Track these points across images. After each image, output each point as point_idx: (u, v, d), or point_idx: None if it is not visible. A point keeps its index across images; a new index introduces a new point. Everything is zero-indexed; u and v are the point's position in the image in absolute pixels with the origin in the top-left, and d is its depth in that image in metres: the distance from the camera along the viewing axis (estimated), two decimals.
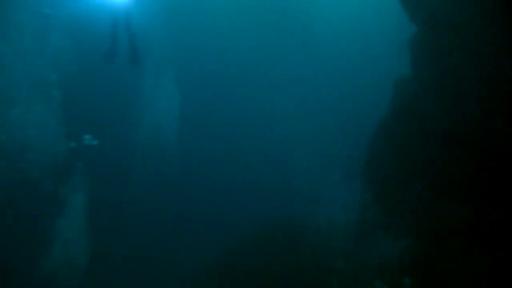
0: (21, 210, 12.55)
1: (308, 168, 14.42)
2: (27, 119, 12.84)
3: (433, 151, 8.48)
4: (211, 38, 16.73)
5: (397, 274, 7.87)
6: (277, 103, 16.28)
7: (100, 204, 12.88)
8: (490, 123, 7.71)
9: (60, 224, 11.82)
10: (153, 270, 13.91)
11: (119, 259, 13.40)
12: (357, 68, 15.65)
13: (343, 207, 11.61)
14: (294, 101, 15.66)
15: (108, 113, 15.59)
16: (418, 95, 8.96)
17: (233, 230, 13.93)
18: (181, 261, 13.75)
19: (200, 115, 16.37)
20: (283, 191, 14.86)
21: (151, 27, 14.07)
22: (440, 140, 8.40)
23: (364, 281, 8.59)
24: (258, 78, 16.74)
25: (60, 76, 13.37)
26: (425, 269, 7.61)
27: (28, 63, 13.36)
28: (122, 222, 14.15)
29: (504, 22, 7.18)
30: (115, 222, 13.96)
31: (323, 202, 12.86)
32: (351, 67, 15.70)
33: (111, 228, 13.62)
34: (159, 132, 15.53)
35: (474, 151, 7.90)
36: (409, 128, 9.10)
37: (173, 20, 15.41)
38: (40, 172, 12.80)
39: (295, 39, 16.22)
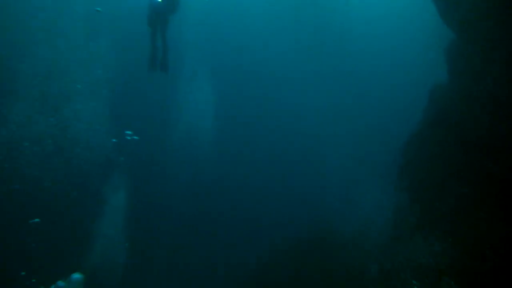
0: (68, 204, 13.17)
1: (342, 170, 14.55)
2: (79, 116, 13.75)
3: (469, 158, 8.43)
4: (247, 40, 17.11)
5: (434, 276, 7.87)
6: (311, 105, 16.51)
7: (139, 202, 13.39)
8: None
9: (101, 220, 12.35)
10: (189, 271, 13.93)
11: (156, 259, 13.86)
12: (393, 72, 15.75)
13: (378, 210, 11.63)
14: (329, 103, 15.89)
15: (147, 112, 16.16)
16: (454, 102, 8.93)
17: (269, 231, 14.01)
18: (218, 263, 13.95)
19: (234, 116, 16.59)
20: (317, 194, 14.96)
21: (188, 30, 14.79)
22: (476, 148, 8.33)
23: (401, 284, 8.59)
24: (293, 80, 16.99)
25: (108, 75, 14.23)
26: (462, 273, 7.53)
27: (80, 62, 14.30)
28: (159, 221, 14.42)
29: None
30: (152, 221, 14.36)
31: (357, 204, 12.93)
32: (388, 72, 15.82)
33: (149, 227, 14.08)
34: (194, 132, 15.87)
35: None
36: (445, 135, 9.08)
37: (209, 22, 15.91)
38: (87, 166, 13.66)
39: (331, 41, 16.39)
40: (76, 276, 9.14)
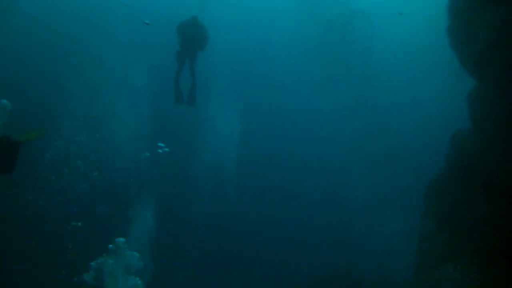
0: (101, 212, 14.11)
1: (364, 200, 14.78)
2: (118, 130, 14.94)
3: (495, 207, 8.03)
4: (274, 71, 17.76)
5: None
6: (336, 136, 16.81)
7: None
8: None
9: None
10: None
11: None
12: (415, 116, 16.16)
13: (401, 238, 11.86)
14: (353, 135, 16.28)
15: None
16: (479, 149, 8.62)
17: (290, 264, 14.10)
18: None
19: (260, 146, 16.96)
20: (340, 226, 15.09)
21: (216, 60, 15.36)
22: (502, 196, 7.95)
23: None
24: (318, 113, 17.52)
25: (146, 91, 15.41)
26: None
27: (119, 85, 15.72)
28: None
29: None
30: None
31: (380, 234, 13.37)
32: (410, 114, 16.26)
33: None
34: (219, 161, 16.20)
35: None
36: (468, 182, 8.76)
37: (236, 53, 16.59)
38: (124, 178, 14.96)
39: (355, 76, 16.81)
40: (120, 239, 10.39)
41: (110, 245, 10.96)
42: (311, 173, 17.06)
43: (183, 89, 11.21)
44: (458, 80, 9.48)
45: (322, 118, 17.71)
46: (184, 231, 14.56)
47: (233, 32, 17.19)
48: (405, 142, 16.06)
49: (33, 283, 12.15)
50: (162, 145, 16.92)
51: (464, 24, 8.97)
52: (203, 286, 14.03)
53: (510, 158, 7.78)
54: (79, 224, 13.67)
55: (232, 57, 16.66)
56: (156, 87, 15.34)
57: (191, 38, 10.72)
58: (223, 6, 16.87)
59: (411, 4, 16.24)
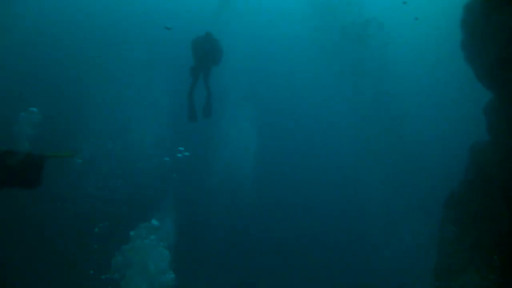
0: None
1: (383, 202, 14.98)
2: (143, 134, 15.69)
3: None
4: (289, 80, 17.98)
5: None
6: (355, 146, 16.93)
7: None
8: None
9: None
10: None
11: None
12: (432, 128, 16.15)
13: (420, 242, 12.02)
14: (369, 145, 16.31)
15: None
16: (498, 162, 8.56)
17: (310, 271, 14.30)
18: None
19: (275, 158, 17.12)
20: (359, 236, 15.26)
21: (231, 70, 15.24)
22: None
23: None
24: (333, 123, 17.65)
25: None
26: None
27: (140, 93, 16.50)
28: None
29: None
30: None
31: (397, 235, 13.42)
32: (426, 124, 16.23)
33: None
34: (233, 173, 16.38)
35: None
36: (488, 193, 8.70)
37: (251, 62, 16.83)
38: (146, 180, 15.67)
39: (369, 87, 16.93)
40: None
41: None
42: (329, 183, 17.04)
43: (199, 103, 11.35)
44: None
45: (338, 127, 17.84)
46: (201, 238, 14.99)
47: (248, 39, 17.50)
48: (422, 150, 16.10)
49: (63, 281, 12.96)
50: (182, 149, 17.49)
51: (478, 37, 8.96)
52: None
53: None
54: (106, 224, 14.31)
55: (247, 65, 16.99)
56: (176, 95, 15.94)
57: (205, 53, 10.73)
58: (238, 14, 17.18)
59: (425, 11, 16.21)
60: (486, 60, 8.64)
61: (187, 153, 17.39)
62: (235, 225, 15.32)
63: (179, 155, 17.31)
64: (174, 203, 13.93)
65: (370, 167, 16.28)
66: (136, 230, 11.29)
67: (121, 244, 11.52)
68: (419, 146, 15.96)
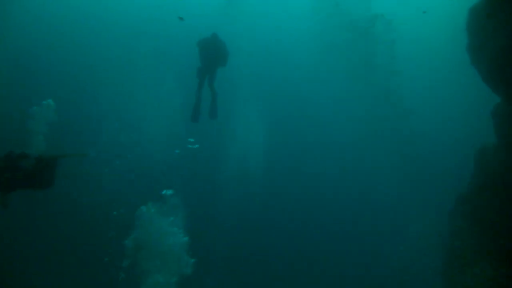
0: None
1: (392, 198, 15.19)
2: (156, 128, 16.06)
3: None
4: (298, 77, 18.06)
5: None
6: (368, 151, 16.94)
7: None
8: None
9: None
10: None
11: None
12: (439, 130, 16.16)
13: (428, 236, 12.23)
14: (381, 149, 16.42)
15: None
16: (503, 164, 8.66)
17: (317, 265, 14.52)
18: None
19: (284, 153, 17.22)
20: (368, 232, 15.39)
21: (241, 64, 15.71)
22: None
23: None
24: (342, 123, 17.69)
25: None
26: None
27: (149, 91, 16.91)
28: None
29: None
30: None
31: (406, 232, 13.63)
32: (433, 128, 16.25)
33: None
34: (244, 167, 16.75)
35: None
36: (496, 198, 8.72)
37: (260, 58, 16.98)
38: (159, 171, 16.09)
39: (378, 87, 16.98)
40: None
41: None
42: (338, 178, 17.23)
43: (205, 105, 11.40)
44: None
45: (346, 123, 17.90)
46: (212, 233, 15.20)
47: (257, 35, 17.64)
48: (429, 147, 16.26)
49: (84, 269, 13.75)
50: (192, 140, 17.92)
51: (483, 41, 8.91)
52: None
53: None
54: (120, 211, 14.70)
55: (256, 60, 17.18)
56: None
57: (212, 54, 10.63)
58: (246, 11, 17.26)
59: (432, 7, 16.08)
60: (490, 64, 8.65)
61: (197, 145, 17.91)
62: (243, 218, 15.55)
63: (189, 146, 17.80)
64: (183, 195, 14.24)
65: (376, 159, 16.58)
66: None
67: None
68: (426, 144, 16.11)
